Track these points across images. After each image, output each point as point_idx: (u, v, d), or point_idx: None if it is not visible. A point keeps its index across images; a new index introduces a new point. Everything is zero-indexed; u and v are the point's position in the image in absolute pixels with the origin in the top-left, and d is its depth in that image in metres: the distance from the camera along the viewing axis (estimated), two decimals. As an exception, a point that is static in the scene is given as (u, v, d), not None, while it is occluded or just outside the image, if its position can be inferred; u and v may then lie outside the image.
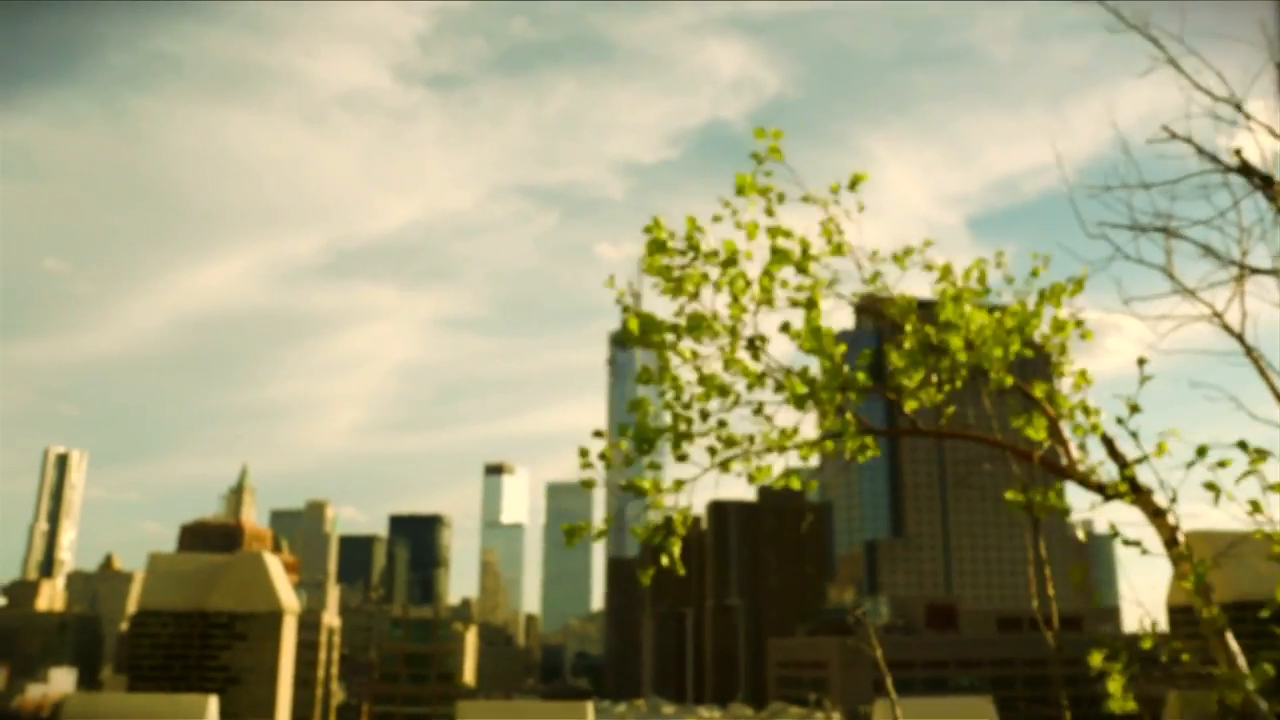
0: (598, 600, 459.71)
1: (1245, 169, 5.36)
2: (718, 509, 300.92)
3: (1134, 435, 5.34)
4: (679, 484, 5.62)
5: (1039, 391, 5.41)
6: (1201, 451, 5.18)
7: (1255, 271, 6.03)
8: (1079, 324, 5.38)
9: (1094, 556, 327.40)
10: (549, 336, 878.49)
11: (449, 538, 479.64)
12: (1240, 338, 5.81)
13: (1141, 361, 5.06)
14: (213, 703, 9.61)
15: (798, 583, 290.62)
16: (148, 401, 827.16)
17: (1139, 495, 5.09)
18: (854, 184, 5.47)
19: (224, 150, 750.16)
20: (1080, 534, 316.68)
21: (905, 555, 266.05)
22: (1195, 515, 5.33)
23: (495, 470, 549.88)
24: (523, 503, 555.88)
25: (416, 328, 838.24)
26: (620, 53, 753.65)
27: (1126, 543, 4.84)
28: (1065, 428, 5.32)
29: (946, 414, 5.48)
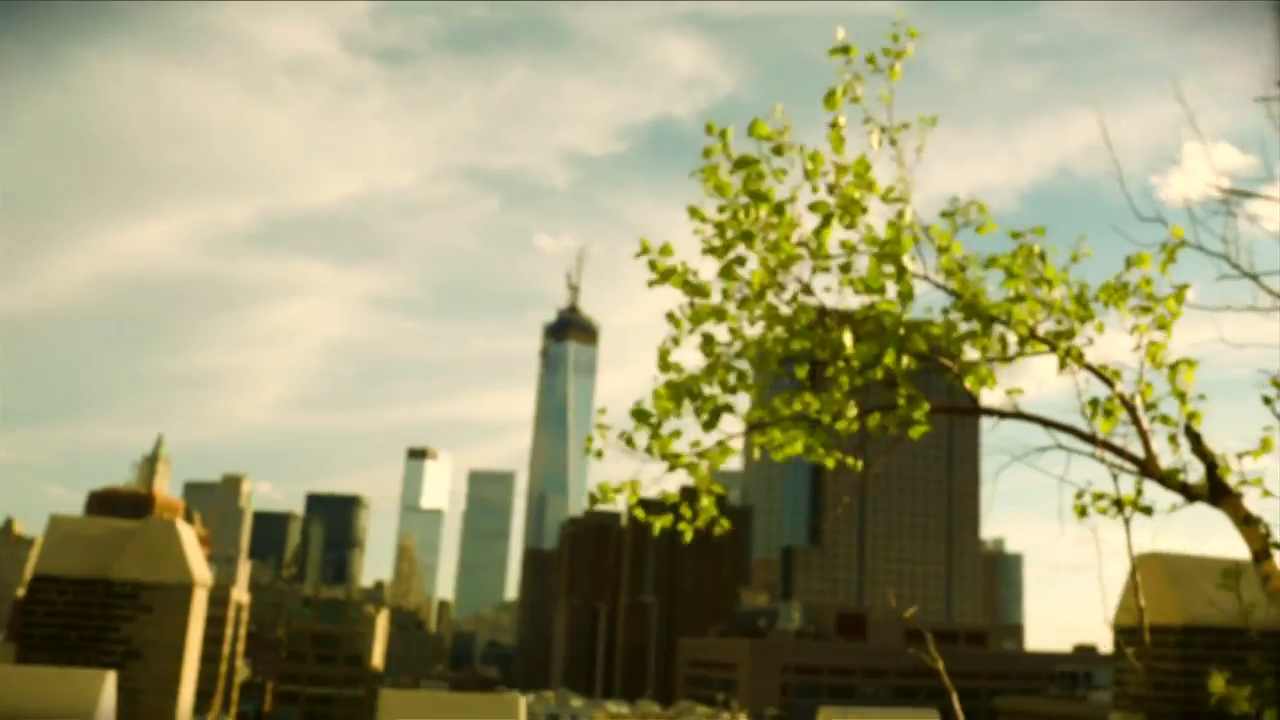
0: (512, 590, 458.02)
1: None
2: (639, 506, 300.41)
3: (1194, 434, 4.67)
4: (723, 445, 4.78)
5: (1114, 375, 4.68)
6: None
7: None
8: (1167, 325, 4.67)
9: (1001, 574, 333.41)
10: (482, 323, 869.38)
11: (366, 519, 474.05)
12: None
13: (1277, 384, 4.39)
14: (110, 678, 8.56)
15: (713, 584, 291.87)
16: (63, 362, 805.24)
17: (1228, 499, 4.39)
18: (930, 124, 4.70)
19: (161, 108, 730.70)
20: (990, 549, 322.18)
21: (821, 563, 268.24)
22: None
23: (418, 454, 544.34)
24: (444, 488, 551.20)
25: (348, 305, 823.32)
26: (575, 41, 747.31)
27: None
28: (1144, 419, 4.60)
29: (1012, 392, 4.72)
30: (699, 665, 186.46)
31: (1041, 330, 4.93)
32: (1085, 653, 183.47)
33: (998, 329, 4.67)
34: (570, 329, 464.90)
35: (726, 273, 4.75)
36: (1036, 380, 4.88)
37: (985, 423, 5.18)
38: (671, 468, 5.01)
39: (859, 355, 4.57)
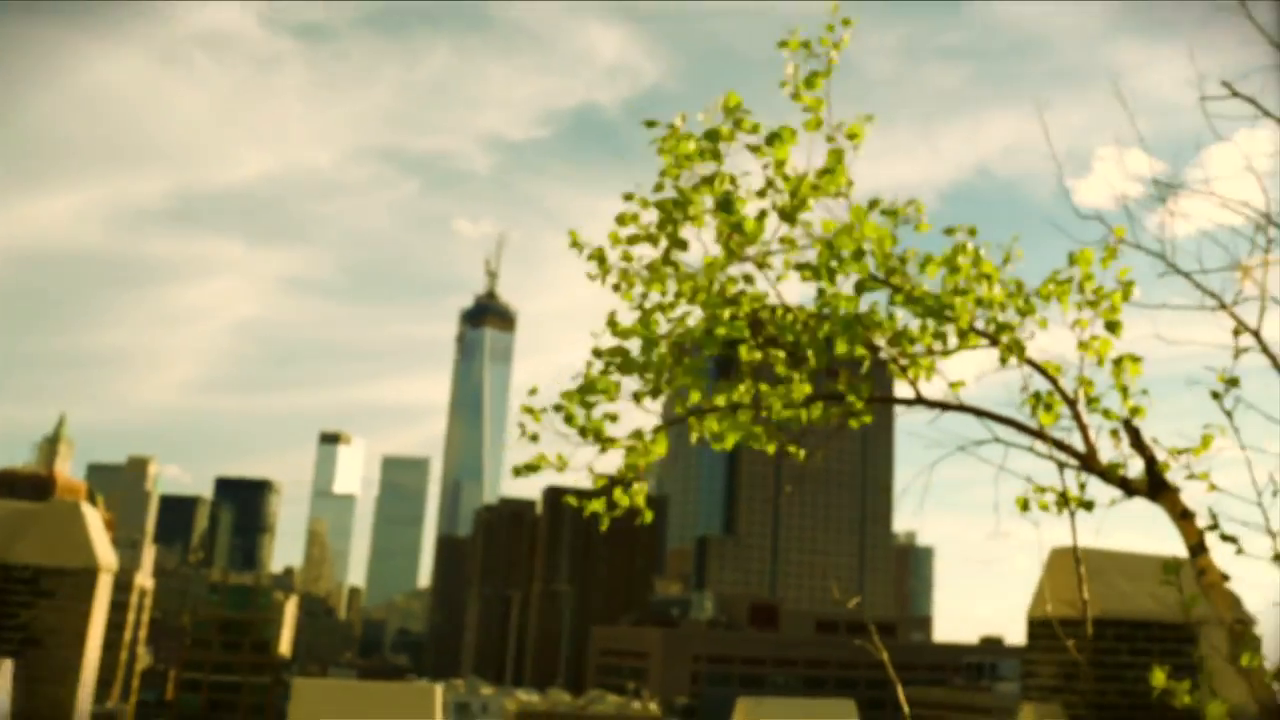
0: (425, 577, 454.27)
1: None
2: (554, 494, 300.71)
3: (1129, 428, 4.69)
4: (659, 431, 4.68)
5: (1054, 370, 4.67)
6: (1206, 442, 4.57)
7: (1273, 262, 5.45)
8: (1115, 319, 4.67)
9: (911, 566, 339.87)
10: (398, 307, 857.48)
11: (277, 504, 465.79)
12: (1256, 332, 5.18)
13: (1234, 382, 4.40)
14: (6, 667, 8.17)
15: (626, 573, 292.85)
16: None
17: (1166, 493, 4.40)
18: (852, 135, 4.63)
19: (71, 79, 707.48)
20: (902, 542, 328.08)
21: (735, 553, 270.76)
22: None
23: (331, 439, 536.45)
24: (356, 474, 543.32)
25: (261, 285, 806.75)
26: (499, 24, 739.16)
27: (1225, 538, 4.11)
28: (1085, 414, 4.59)
29: (955, 385, 4.68)
30: (611, 654, 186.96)
31: (981, 324, 4.91)
32: (991, 644, 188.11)
33: (937, 323, 4.63)
34: (488, 315, 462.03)
35: (666, 258, 4.64)
36: (971, 374, 4.86)
37: (920, 416, 5.15)
38: (604, 449, 4.89)
39: (813, 347, 4.51)
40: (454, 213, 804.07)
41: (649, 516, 5.19)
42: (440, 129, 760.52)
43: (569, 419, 4.73)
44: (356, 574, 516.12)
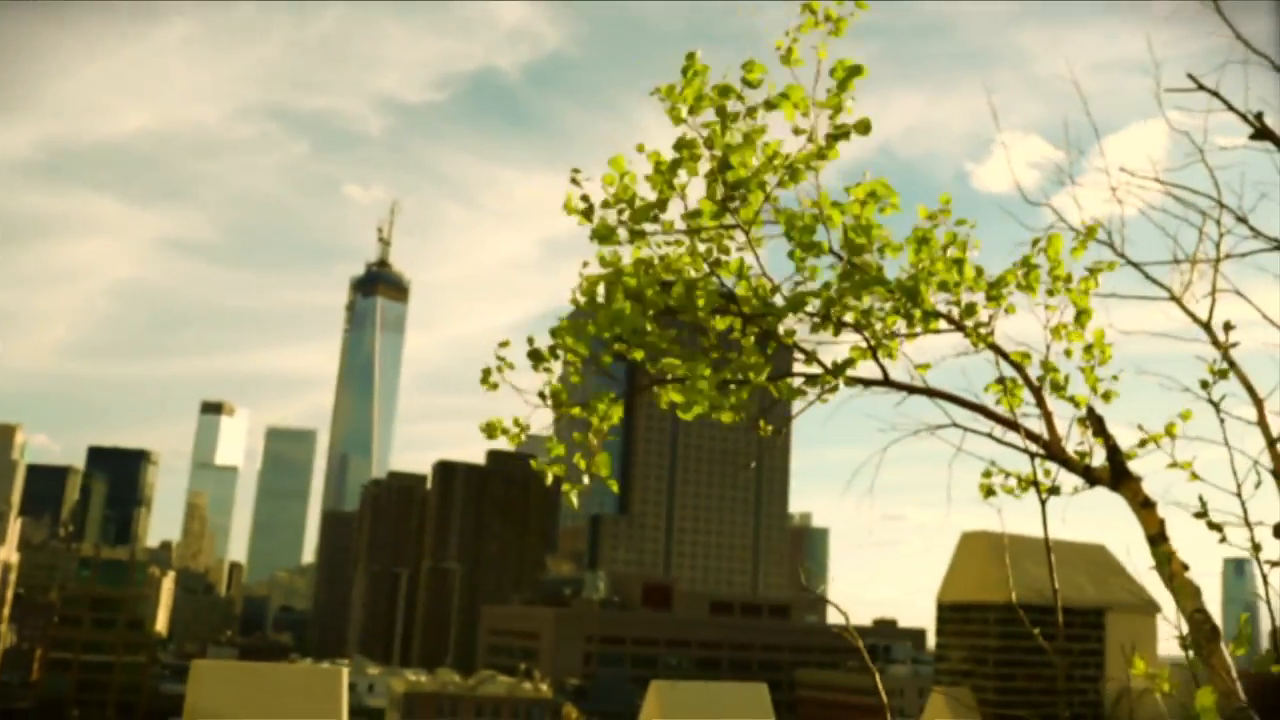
0: (309, 554, 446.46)
1: (1266, 134, 4.75)
2: (445, 469, 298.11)
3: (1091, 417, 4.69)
4: (614, 397, 4.53)
5: (1021, 358, 4.64)
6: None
7: (1225, 258, 5.50)
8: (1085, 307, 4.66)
9: (807, 547, 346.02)
10: (285, 273, 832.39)
11: (154, 476, 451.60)
12: (1206, 324, 5.22)
13: (1223, 374, 4.39)
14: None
15: (518, 551, 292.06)
16: None
17: (1128, 482, 4.39)
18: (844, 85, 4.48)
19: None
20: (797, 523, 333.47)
21: (629, 532, 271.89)
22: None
23: (213, 408, 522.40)
24: (239, 445, 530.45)
25: (139, 246, 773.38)
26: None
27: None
28: (1049, 401, 4.57)
29: (921, 368, 4.62)
30: (501, 634, 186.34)
31: (945, 308, 4.87)
32: (885, 627, 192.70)
33: (905, 305, 4.56)
34: (379, 284, 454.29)
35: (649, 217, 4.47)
36: (930, 358, 4.81)
37: (877, 398, 5.08)
38: (559, 415, 4.74)
39: (780, 313, 4.40)
40: (345, 176, 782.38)
41: (614, 486, 5.17)
42: (332, 89, 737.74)
43: (537, 364, 4.52)
44: (238, 549, 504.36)
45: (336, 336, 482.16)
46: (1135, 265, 5.61)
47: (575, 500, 4.74)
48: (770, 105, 4.40)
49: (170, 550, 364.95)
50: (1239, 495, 4.03)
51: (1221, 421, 4.37)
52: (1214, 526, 4.05)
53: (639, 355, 4.68)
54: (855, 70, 4.43)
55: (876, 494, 5.07)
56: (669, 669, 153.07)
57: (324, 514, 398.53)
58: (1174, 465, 4.31)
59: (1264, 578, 3.62)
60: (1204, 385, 4.28)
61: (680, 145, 4.46)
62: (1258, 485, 4.15)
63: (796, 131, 4.42)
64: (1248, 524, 3.86)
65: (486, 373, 4.71)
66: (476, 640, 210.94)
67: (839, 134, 4.42)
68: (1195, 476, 4.25)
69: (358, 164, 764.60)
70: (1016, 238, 5.19)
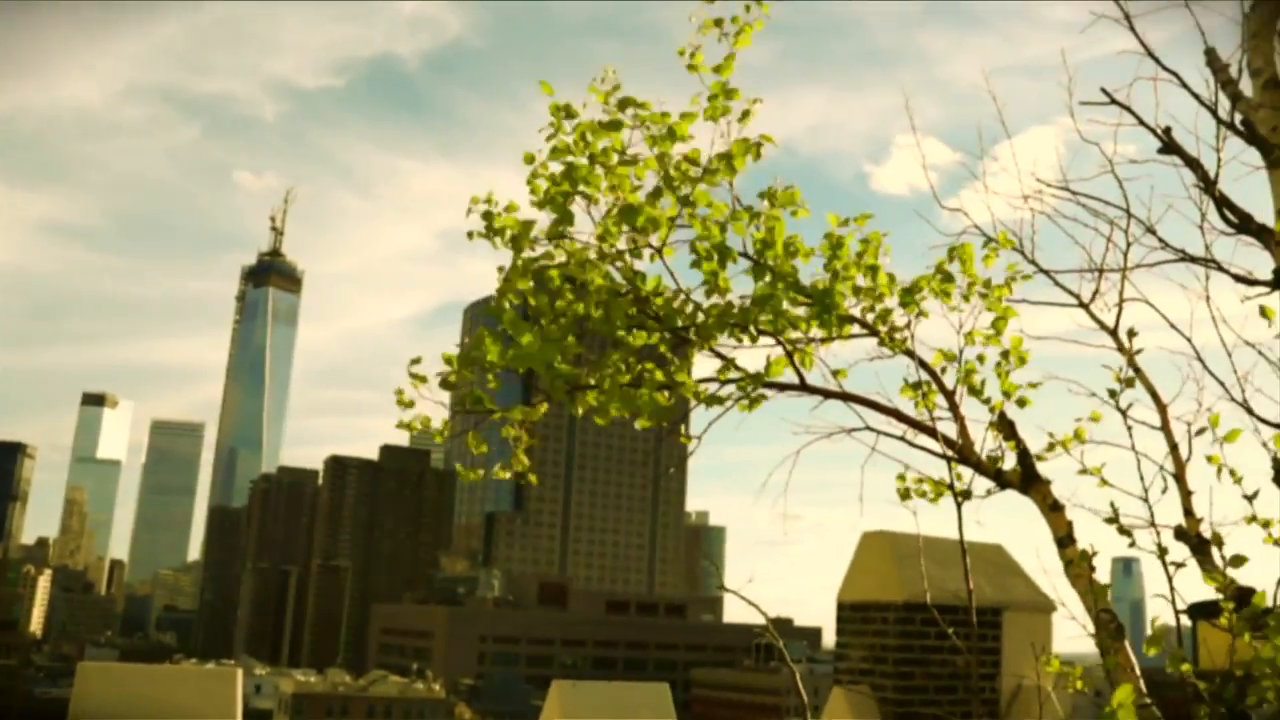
0: (195, 551, 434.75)
1: (1174, 149, 4.89)
2: (337, 464, 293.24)
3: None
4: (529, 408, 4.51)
5: (940, 358, 4.71)
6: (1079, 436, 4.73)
7: (1133, 267, 5.66)
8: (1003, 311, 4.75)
9: (704, 546, 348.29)
10: (172, 261, 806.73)
11: (30, 470, 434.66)
12: (1113, 331, 5.37)
13: (1130, 382, 4.49)
14: None
15: (411, 549, 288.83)
16: None
17: (1037, 485, 4.49)
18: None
19: None
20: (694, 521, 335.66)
21: (524, 530, 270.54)
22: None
23: (95, 400, 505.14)
24: (122, 439, 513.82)
25: (18, 229, 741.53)
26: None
27: None
28: (961, 405, 4.65)
29: (839, 374, 4.66)
30: (393, 633, 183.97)
31: (859, 313, 4.93)
32: (781, 625, 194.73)
33: (820, 311, 4.60)
34: (271, 274, 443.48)
35: (562, 221, 4.44)
36: (846, 363, 4.85)
37: (798, 404, 5.12)
38: (484, 418, 4.73)
39: (700, 333, 4.41)
40: (237, 162, 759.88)
41: (534, 479, 5.13)
42: (225, 72, 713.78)
43: (445, 384, 4.50)
44: (119, 547, 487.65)
45: (226, 328, 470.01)
46: (1045, 272, 5.74)
47: (471, 475, 4.76)
48: (670, 131, 4.42)
49: (47, 548, 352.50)
50: (1145, 499, 4.14)
51: (1129, 428, 4.49)
52: (1124, 531, 4.16)
53: (559, 375, 4.67)
54: (743, 152, 4.52)
55: (778, 493, 5.11)
56: (564, 669, 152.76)
57: (211, 510, 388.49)
58: (1084, 471, 4.42)
59: (1169, 579, 3.73)
60: (1112, 394, 4.38)
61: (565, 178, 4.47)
62: (1164, 491, 4.27)
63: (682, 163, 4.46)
64: (1154, 527, 3.97)
65: (400, 393, 4.69)
66: (368, 640, 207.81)
67: (724, 157, 4.47)
68: (1105, 482, 4.36)
69: (251, 150, 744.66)
70: (923, 240, 5.29)
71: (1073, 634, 4.25)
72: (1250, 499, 3.81)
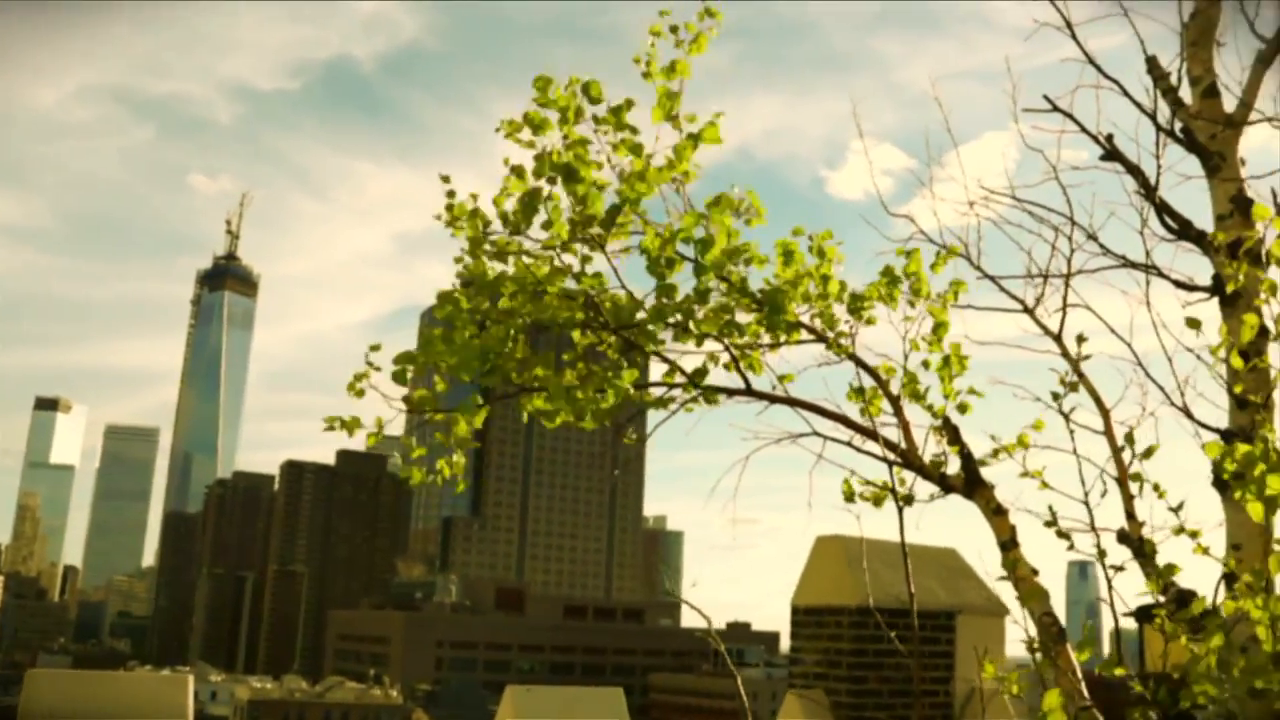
0: (149, 557, 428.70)
1: (1116, 155, 4.95)
2: (293, 469, 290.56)
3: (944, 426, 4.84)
4: (476, 404, 4.50)
5: (886, 369, 4.74)
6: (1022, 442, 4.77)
7: (1075, 273, 5.72)
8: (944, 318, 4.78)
9: (662, 551, 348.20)
10: (126, 264, 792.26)
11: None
12: (1058, 336, 5.43)
13: (1074, 387, 4.54)
14: None
15: (368, 554, 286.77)
16: None
17: (981, 490, 4.53)
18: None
19: None
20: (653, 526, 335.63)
21: (481, 535, 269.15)
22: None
23: (48, 405, 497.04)
24: (76, 443, 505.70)
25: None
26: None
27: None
28: (906, 411, 4.68)
29: (785, 379, 4.68)
30: (350, 639, 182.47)
31: (808, 319, 4.95)
32: (739, 630, 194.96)
33: (768, 316, 4.62)
34: (227, 278, 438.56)
35: (527, 214, 4.43)
36: (795, 368, 4.88)
37: (735, 410, 5.15)
38: (422, 420, 4.73)
39: (645, 336, 4.40)
40: (191, 165, 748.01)
41: (462, 487, 5.18)
42: (180, 73, 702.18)
43: (398, 377, 4.48)
44: (73, 552, 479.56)
45: (181, 331, 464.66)
46: (991, 278, 5.78)
47: (417, 475, 4.72)
48: (615, 111, 4.41)
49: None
50: (1085, 503, 4.18)
51: (1071, 432, 4.53)
52: (1062, 535, 4.20)
53: (494, 381, 4.69)
54: (690, 150, 4.54)
55: (730, 498, 5.13)
56: (522, 674, 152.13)
57: (165, 515, 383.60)
58: (1025, 475, 4.45)
59: (1108, 582, 3.76)
60: (1055, 397, 4.42)
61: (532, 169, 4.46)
62: (1104, 494, 4.31)
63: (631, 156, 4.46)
64: (1094, 530, 4.01)
65: (356, 378, 4.65)
66: (324, 645, 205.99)
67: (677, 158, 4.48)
68: (1045, 485, 4.40)
69: (206, 152, 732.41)
70: (874, 245, 5.31)
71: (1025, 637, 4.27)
72: (1175, 510, 3.85)
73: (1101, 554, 3.87)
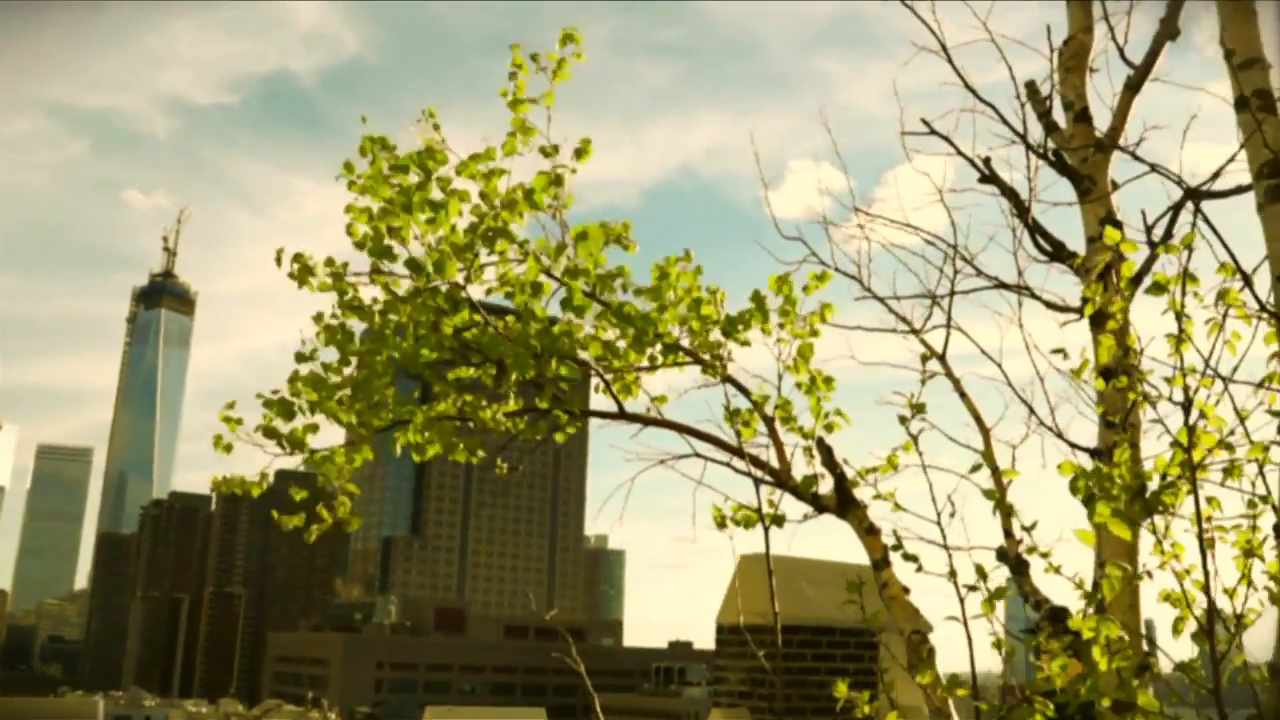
0: (82, 579, 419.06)
1: (992, 178, 5.02)
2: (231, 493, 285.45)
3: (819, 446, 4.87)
4: (357, 444, 4.46)
5: (760, 396, 4.76)
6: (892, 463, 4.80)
7: (951, 294, 5.79)
8: (814, 333, 4.81)
9: (603, 570, 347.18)
10: (60, 281, 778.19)
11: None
12: (941, 357, 5.48)
13: (920, 408, 4.56)
14: None
15: (307, 575, 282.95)
16: None
17: (854, 510, 4.55)
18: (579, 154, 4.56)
19: None
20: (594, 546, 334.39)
21: (421, 555, 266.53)
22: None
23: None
24: (6, 463, 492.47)
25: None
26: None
27: None
28: (780, 432, 4.70)
29: (658, 400, 4.68)
30: (288, 661, 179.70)
31: (686, 342, 4.97)
32: (680, 649, 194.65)
33: (643, 340, 4.63)
34: (164, 295, 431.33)
35: (378, 266, 4.41)
36: (675, 390, 4.89)
37: (626, 429, 5.14)
38: (307, 462, 4.73)
39: (517, 365, 4.38)
40: (127, 180, 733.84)
41: (356, 524, 5.25)
42: (116, 85, 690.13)
43: (269, 433, 4.47)
44: (2, 575, 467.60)
45: (116, 350, 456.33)
46: (880, 299, 5.84)
47: (290, 521, 4.69)
48: (475, 159, 4.43)
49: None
50: (938, 522, 4.20)
51: (920, 453, 4.56)
52: (909, 557, 4.22)
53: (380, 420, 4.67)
54: (546, 184, 4.57)
55: (668, 518, 5.14)
56: (463, 694, 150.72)
57: (99, 537, 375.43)
58: (878, 497, 4.48)
59: (961, 601, 3.78)
60: (902, 421, 4.43)
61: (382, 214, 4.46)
62: (953, 514, 4.35)
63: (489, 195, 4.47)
64: (945, 549, 4.02)
65: (218, 439, 4.65)
66: (262, 668, 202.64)
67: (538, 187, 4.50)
68: (898, 507, 4.42)
69: (142, 167, 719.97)
70: (778, 267, 5.34)
71: (955, 653, 4.26)
72: (1028, 530, 3.89)
73: (952, 573, 3.89)
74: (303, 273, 4.60)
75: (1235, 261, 3.28)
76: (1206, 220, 3.40)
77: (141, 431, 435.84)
